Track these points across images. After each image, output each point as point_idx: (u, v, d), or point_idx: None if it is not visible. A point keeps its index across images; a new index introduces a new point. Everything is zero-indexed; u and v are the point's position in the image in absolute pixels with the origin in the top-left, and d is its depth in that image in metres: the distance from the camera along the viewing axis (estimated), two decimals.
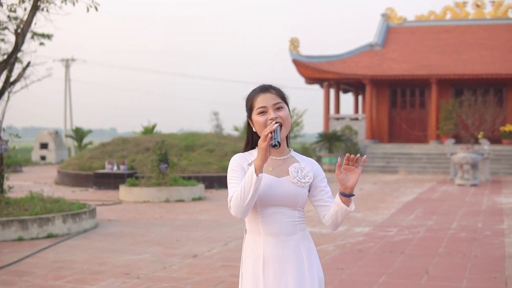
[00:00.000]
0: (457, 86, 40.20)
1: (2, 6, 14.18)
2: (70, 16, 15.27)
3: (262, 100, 3.89)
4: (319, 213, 4.03)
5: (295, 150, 4.20)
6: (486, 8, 44.28)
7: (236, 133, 47.12)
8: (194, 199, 19.44)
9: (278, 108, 3.88)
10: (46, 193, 16.00)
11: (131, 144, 27.25)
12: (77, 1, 14.42)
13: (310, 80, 42.21)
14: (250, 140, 4.06)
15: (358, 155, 3.79)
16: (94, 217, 14.00)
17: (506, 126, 36.82)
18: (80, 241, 12.08)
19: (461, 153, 25.29)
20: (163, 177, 19.73)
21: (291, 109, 4.06)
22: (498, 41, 41.72)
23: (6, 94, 14.50)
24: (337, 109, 43.26)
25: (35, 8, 13.96)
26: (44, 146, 44.28)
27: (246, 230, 4.02)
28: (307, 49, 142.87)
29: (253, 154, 3.97)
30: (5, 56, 14.23)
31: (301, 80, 41.78)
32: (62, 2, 14.32)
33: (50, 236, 12.46)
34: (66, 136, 51.94)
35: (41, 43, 16.33)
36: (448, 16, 45.13)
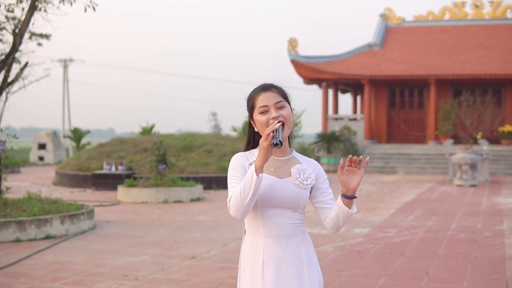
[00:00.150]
0: (456, 86, 40.18)
1: (0, 6, 14.13)
2: (68, 16, 15.21)
3: (263, 99, 3.84)
4: (320, 215, 3.97)
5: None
6: (484, 8, 44.27)
7: (234, 134, 47.03)
8: (192, 200, 19.39)
9: (280, 107, 3.82)
10: (44, 194, 15.94)
11: (129, 145, 27.19)
12: (74, 1, 14.37)
13: (309, 81, 42.18)
14: (252, 140, 4.00)
15: (361, 156, 3.72)
16: (92, 218, 13.95)
17: (504, 127, 36.81)
18: (78, 242, 12.02)
19: (460, 154, 25.26)
20: (161, 177, 19.67)
21: None
22: (496, 41, 41.71)
23: (4, 94, 14.45)
24: (336, 110, 43.26)
25: (32, 8, 13.90)
26: (42, 146, 44.21)
27: (245, 231, 3.96)
28: (305, 49, 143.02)
29: (255, 153, 3.90)
30: (3, 56, 14.16)
31: (300, 80, 41.80)
32: (60, 2, 14.27)
33: (48, 237, 12.40)
34: (64, 136, 51.86)
35: (39, 44, 16.30)
36: (447, 16, 45.11)
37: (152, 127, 45.41)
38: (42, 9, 14.15)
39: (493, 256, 10.66)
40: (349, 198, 3.76)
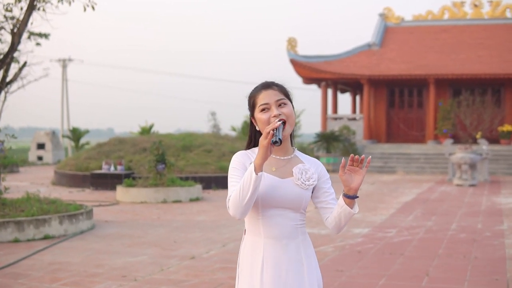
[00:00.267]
0: (455, 86, 40.14)
1: None
2: (67, 15, 15.17)
3: (264, 97, 3.79)
4: (322, 215, 3.92)
5: None
6: (484, 8, 44.24)
7: (233, 133, 47.02)
8: (191, 200, 19.35)
9: (281, 105, 3.78)
10: (43, 193, 15.89)
11: (128, 145, 27.15)
12: (73, 1, 14.34)
13: (308, 80, 42.15)
14: (253, 138, 3.95)
15: (363, 155, 3.68)
16: (91, 218, 13.90)
17: (504, 126, 36.79)
18: (77, 243, 11.98)
19: (460, 153, 25.23)
20: (160, 177, 19.62)
21: None
22: (496, 41, 41.68)
23: (2, 94, 14.41)
24: (335, 109, 43.25)
25: (31, 8, 13.86)
26: (41, 146, 44.17)
27: (245, 230, 3.91)
28: (305, 49, 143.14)
29: (256, 152, 3.83)
30: (1, 56, 14.12)
31: (299, 80, 41.75)
32: (58, 1, 14.23)
33: (46, 237, 12.35)
34: (63, 136, 51.84)
35: (38, 43, 16.25)
36: (446, 16, 45.08)
37: (151, 127, 45.39)
38: (41, 8, 14.10)
39: (494, 256, 10.62)
40: (350, 198, 3.71)
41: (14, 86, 14.84)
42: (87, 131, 48.30)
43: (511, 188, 24.05)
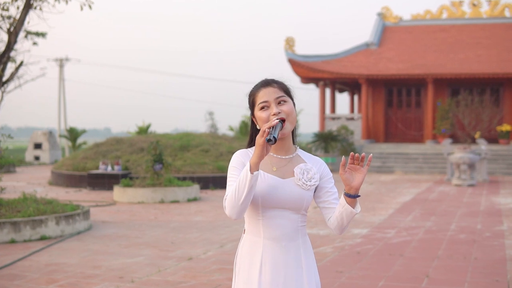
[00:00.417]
0: (454, 85, 40.11)
1: None
2: (64, 14, 15.10)
3: (263, 95, 3.71)
4: (324, 215, 3.83)
5: None
6: (482, 7, 44.24)
7: (231, 133, 46.98)
8: (189, 200, 19.26)
9: (281, 102, 3.69)
10: (40, 194, 15.84)
11: (125, 144, 27.07)
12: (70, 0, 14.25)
13: (306, 80, 42.08)
14: (254, 137, 3.86)
15: (363, 153, 3.59)
16: (88, 218, 13.81)
17: (502, 126, 36.76)
18: (74, 244, 11.89)
19: (458, 153, 25.17)
20: (157, 177, 19.55)
21: None
22: (494, 40, 41.65)
23: None
24: (333, 109, 43.20)
25: (28, 7, 13.78)
26: (38, 146, 44.10)
27: (244, 230, 3.84)
28: (303, 49, 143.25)
29: None
30: None
31: (297, 79, 41.67)
32: (55, 0, 14.15)
33: (43, 238, 12.27)
34: (60, 136, 51.75)
35: (34, 43, 16.16)
36: (445, 15, 45.06)
37: (148, 127, 45.36)
38: (38, 7, 14.03)
39: (494, 257, 10.54)
40: (352, 197, 3.61)
41: (11, 85, 14.79)
42: (84, 131, 48.25)
43: (510, 188, 23.99)
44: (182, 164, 24.15)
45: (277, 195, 3.65)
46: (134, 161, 24.68)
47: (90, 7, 14.22)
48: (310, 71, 39.68)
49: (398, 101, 41.42)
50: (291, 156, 3.79)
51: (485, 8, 44.30)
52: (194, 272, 9.33)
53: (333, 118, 40.22)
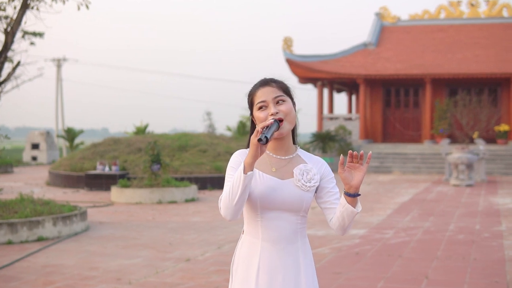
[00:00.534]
0: (452, 85, 40.10)
1: None
2: (61, 14, 15.04)
3: (262, 95, 3.66)
4: (326, 216, 3.76)
5: None
6: (480, 7, 44.24)
7: (229, 133, 46.92)
8: (187, 201, 19.22)
9: (279, 102, 3.63)
10: (37, 194, 15.78)
11: (123, 145, 27.01)
12: None
13: (304, 80, 42.05)
14: None
15: (362, 151, 3.52)
16: (85, 219, 13.75)
17: (500, 126, 36.75)
18: (71, 245, 11.83)
19: (456, 153, 25.13)
20: (155, 178, 19.50)
21: None
22: (492, 40, 41.63)
23: None
24: (331, 109, 43.15)
25: (25, 7, 13.72)
26: (35, 146, 44.05)
27: (243, 231, 3.78)
28: (301, 49, 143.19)
29: None
30: None
31: (295, 79, 41.63)
32: (52, 0, 14.09)
33: (40, 239, 12.21)
34: (58, 136, 51.68)
35: (32, 43, 16.10)
36: (443, 15, 45.04)
37: (146, 127, 45.29)
38: (35, 7, 13.97)
39: (493, 258, 10.50)
40: (352, 196, 3.53)
41: (8, 86, 14.71)
42: (81, 131, 48.18)
43: (508, 188, 23.97)
44: (180, 164, 24.11)
45: (275, 196, 3.60)
46: (132, 162, 24.64)
47: (87, 7, 14.17)
48: (308, 71, 39.65)
49: (396, 101, 41.39)
50: (291, 156, 3.74)
51: (483, 8, 44.32)
52: (192, 273, 9.28)
53: (331, 118, 40.18)
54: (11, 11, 13.98)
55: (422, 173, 32.76)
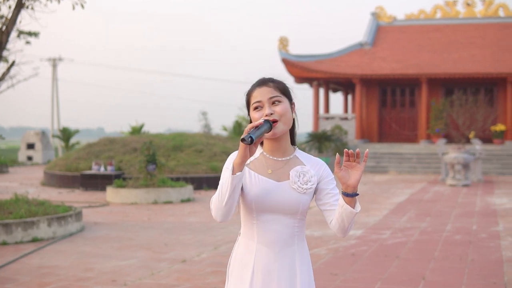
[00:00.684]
0: (448, 85, 40.08)
1: None
2: (57, 14, 14.98)
3: (258, 95, 3.59)
4: (326, 218, 3.66)
5: None
6: (476, 7, 44.24)
7: (225, 133, 46.88)
8: (182, 201, 19.15)
9: (275, 102, 3.56)
10: (32, 194, 15.71)
11: (118, 145, 26.94)
12: None
13: (300, 79, 41.99)
14: None
15: (358, 149, 3.42)
16: (80, 220, 13.68)
17: (497, 126, 36.73)
18: (66, 246, 11.76)
19: (453, 153, 25.11)
20: (151, 178, 19.43)
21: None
22: (488, 40, 41.64)
23: None
24: (327, 109, 43.14)
25: (19, 6, 13.66)
26: (30, 146, 43.96)
27: (240, 233, 3.71)
28: (297, 48, 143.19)
29: (253, 152, 3.65)
30: None
31: (291, 79, 41.58)
32: None
33: (34, 240, 12.14)
34: (53, 136, 51.59)
35: (27, 42, 16.06)
36: (439, 15, 45.03)
37: (141, 127, 45.24)
38: (29, 6, 13.90)
39: (490, 258, 10.46)
40: (350, 195, 3.44)
41: (4, 85, 14.65)
42: (77, 131, 48.12)
43: (504, 188, 23.94)
44: (175, 164, 24.04)
45: (270, 198, 3.53)
46: (127, 162, 24.57)
47: (82, 6, 14.11)
48: (304, 71, 39.61)
49: (392, 101, 41.37)
50: (288, 158, 3.66)
51: (479, 8, 44.30)
52: (188, 275, 9.21)
53: (327, 118, 40.15)
54: (6, 10, 13.93)
55: (418, 173, 32.73)
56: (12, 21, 13.72)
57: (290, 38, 40.95)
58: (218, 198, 3.40)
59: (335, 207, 3.60)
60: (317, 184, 3.64)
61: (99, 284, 8.69)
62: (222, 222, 3.51)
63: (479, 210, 16.96)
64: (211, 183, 23.29)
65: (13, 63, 14.42)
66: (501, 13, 44.02)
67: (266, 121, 3.43)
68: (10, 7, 13.79)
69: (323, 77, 39.96)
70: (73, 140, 47.54)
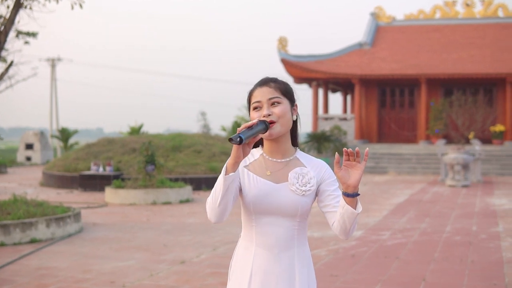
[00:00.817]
0: (447, 85, 40.06)
1: None
2: (55, 14, 14.93)
3: (257, 95, 3.53)
4: (328, 220, 3.58)
5: None
6: (475, 7, 44.27)
7: (224, 134, 46.83)
8: (181, 202, 19.10)
9: (274, 103, 3.50)
10: (30, 195, 15.67)
11: (117, 145, 26.90)
12: None
13: (299, 80, 41.96)
14: None
15: (357, 148, 3.35)
16: (79, 221, 13.63)
17: (496, 126, 36.71)
18: (64, 247, 11.71)
19: (452, 154, 25.07)
20: (149, 178, 19.39)
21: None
22: (488, 40, 41.62)
23: None
24: (326, 109, 43.10)
25: (18, 6, 13.61)
26: (29, 146, 43.90)
27: (241, 235, 3.66)
28: (296, 48, 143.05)
29: (254, 154, 3.62)
30: None
31: (290, 79, 41.55)
32: None
33: (33, 241, 12.09)
34: (52, 136, 51.54)
35: (26, 42, 16.01)
36: (438, 15, 45.03)
37: (140, 127, 45.19)
38: (28, 6, 13.86)
39: (490, 259, 10.41)
40: (350, 196, 3.36)
41: (2, 85, 14.62)
42: (76, 131, 48.06)
43: (504, 189, 23.90)
44: (174, 165, 24.00)
45: (268, 200, 3.48)
46: (126, 162, 24.52)
47: (81, 6, 14.06)
48: (303, 71, 39.58)
49: (391, 101, 41.35)
50: (287, 159, 3.60)
51: (478, 8, 44.32)
52: (187, 276, 9.16)
53: (326, 118, 40.13)
54: (4, 10, 13.89)
55: (417, 174, 32.69)
56: (10, 21, 13.67)
57: (290, 38, 40.97)
58: (212, 199, 3.36)
59: (337, 209, 3.51)
60: (318, 185, 3.57)
61: (98, 285, 8.64)
62: (217, 223, 3.46)
63: (478, 211, 16.92)
64: (210, 183, 23.24)
65: (11, 63, 14.37)
66: (500, 13, 44.02)
67: (261, 121, 3.37)
68: (8, 7, 13.75)
69: (322, 77, 39.93)
70: (72, 141, 47.47)
